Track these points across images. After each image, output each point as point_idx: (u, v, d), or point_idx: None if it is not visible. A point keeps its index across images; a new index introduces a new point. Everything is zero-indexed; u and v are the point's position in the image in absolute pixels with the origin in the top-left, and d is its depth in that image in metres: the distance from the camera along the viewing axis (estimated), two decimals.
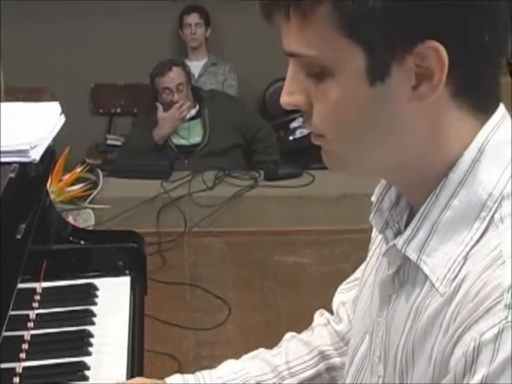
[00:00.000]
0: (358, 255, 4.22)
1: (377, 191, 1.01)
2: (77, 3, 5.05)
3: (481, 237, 0.86)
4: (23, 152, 1.59)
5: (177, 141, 4.38)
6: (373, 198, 1.01)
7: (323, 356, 1.30)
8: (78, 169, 3.27)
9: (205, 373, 1.30)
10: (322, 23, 0.83)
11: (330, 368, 1.30)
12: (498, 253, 0.83)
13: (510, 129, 0.90)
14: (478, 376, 0.78)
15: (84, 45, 5.17)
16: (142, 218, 3.60)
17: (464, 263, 0.86)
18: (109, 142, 5.06)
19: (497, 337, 0.77)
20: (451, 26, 0.82)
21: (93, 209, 3.40)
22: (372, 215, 1.00)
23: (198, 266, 3.55)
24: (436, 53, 0.82)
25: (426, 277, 0.89)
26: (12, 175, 1.55)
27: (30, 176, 1.62)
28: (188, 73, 4.48)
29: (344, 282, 1.35)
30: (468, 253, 0.86)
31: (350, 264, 3.61)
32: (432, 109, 0.86)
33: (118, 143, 5.01)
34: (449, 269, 0.87)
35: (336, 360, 1.30)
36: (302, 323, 1.39)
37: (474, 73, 0.86)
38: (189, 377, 1.29)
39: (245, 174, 3.94)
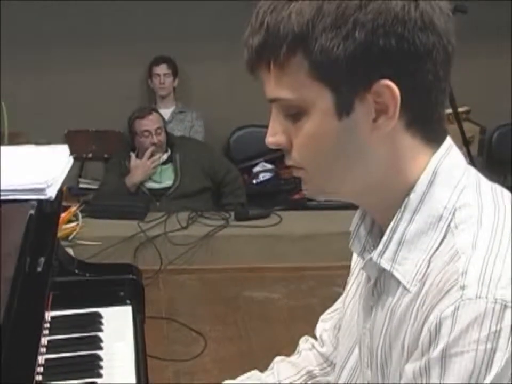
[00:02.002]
0: (322, 290, 4.34)
1: (353, 222, 1.12)
2: (50, 53, 5.13)
3: (441, 242, 0.98)
4: (40, 190, 1.68)
5: (148, 184, 4.45)
6: (351, 228, 1.12)
7: (310, 375, 1.40)
8: (73, 208, 3.35)
9: None
10: (296, 70, 0.96)
11: None
12: (455, 251, 0.94)
13: (457, 156, 1.03)
14: (440, 346, 0.89)
15: (58, 93, 5.24)
16: (120, 256, 3.65)
17: (428, 265, 0.97)
18: (81, 185, 5.11)
19: (454, 313, 0.89)
20: (401, 69, 0.94)
21: (73, 246, 3.44)
22: (351, 241, 1.12)
23: (174, 302, 3.60)
24: (389, 90, 0.94)
25: (398, 282, 1.01)
26: (32, 211, 1.64)
27: (46, 213, 1.70)
28: (164, 121, 4.56)
29: (325, 313, 1.44)
30: (431, 257, 0.98)
31: (316, 298, 3.71)
32: (390, 139, 0.98)
33: (90, 186, 5.07)
34: (417, 272, 0.98)
35: (321, 379, 1.40)
36: (274, 353, 1.47)
37: (422, 108, 0.98)
38: None
39: (216, 214, 4.01)
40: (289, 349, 1.48)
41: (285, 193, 5.21)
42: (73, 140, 5.36)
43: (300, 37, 0.93)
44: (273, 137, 1.02)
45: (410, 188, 1.00)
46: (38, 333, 1.36)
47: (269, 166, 5.35)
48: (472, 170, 1.04)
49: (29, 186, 1.67)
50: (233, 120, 5.47)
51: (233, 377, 1.43)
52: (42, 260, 1.58)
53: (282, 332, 3.33)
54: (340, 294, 4.23)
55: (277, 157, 5.43)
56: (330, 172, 1.00)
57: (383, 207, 1.03)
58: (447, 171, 1.00)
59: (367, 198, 1.04)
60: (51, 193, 1.70)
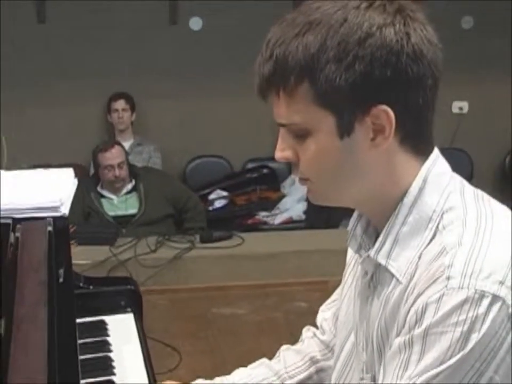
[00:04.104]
0: (285, 305, 4.47)
1: (351, 223, 1.21)
2: (11, 90, 5.19)
3: (430, 241, 1.07)
4: (55, 208, 1.80)
5: (114, 212, 4.53)
6: (348, 228, 1.21)
7: (313, 360, 1.51)
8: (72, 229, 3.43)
9: (222, 378, 1.52)
10: (303, 97, 1.04)
11: (319, 371, 1.51)
12: (443, 248, 1.04)
13: (443, 165, 1.12)
14: (423, 325, 1.00)
15: (18, 129, 5.30)
16: None
17: (418, 260, 1.07)
18: None
19: (439, 299, 0.99)
20: (395, 95, 1.04)
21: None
22: (348, 240, 1.21)
23: (147, 320, 3.67)
24: (386, 114, 1.03)
25: (392, 276, 1.10)
26: (50, 228, 1.76)
27: (60, 228, 1.81)
28: (126, 153, 4.64)
29: (324, 304, 1.55)
30: (421, 253, 1.07)
31: (280, 313, 3.85)
32: (386, 154, 1.07)
33: None
34: (408, 266, 1.08)
35: (323, 364, 1.51)
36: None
37: (414, 127, 1.07)
38: (209, 382, 1.51)
39: (182, 238, 4.11)
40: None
41: (239, 218, 5.38)
42: None
43: (306, 68, 1.02)
44: (282, 152, 1.11)
45: (403, 194, 1.09)
46: (76, 337, 1.47)
47: (224, 193, 5.50)
48: (457, 178, 1.14)
49: (45, 205, 1.79)
50: (187, 151, 5.63)
51: None
52: (61, 271, 1.70)
53: (250, 344, 3.45)
54: (301, 308, 4.37)
55: (231, 184, 5.61)
56: (333, 183, 1.10)
57: (379, 211, 1.13)
58: (435, 179, 1.10)
59: (365, 204, 1.14)
60: (64, 210, 1.82)
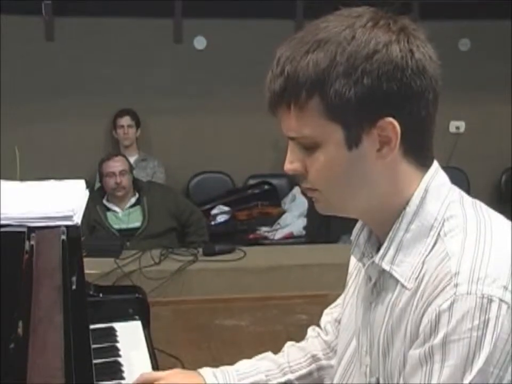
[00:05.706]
0: (285, 317, 4.49)
1: (354, 232, 1.25)
2: (19, 106, 5.24)
3: (432, 247, 1.11)
4: (68, 217, 1.84)
5: (118, 226, 4.56)
6: (351, 238, 1.25)
7: (314, 358, 1.56)
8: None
9: (227, 367, 1.60)
10: (313, 111, 1.07)
11: (319, 368, 1.56)
12: (445, 254, 1.08)
13: (443, 176, 1.16)
14: (440, 334, 1.03)
15: (25, 144, 5.33)
16: None
17: (422, 266, 1.10)
18: None
19: (450, 306, 1.02)
20: (400, 108, 1.07)
21: None
22: (352, 249, 1.25)
23: (151, 331, 3.72)
24: (392, 126, 1.07)
25: (397, 281, 1.13)
26: (64, 237, 1.80)
27: (73, 237, 1.86)
28: (130, 165, 4.68)
29: (328, 308, 1.60)
30: (424, 259, 1.11)
31: (281, 325, 3.87)
32: (391, 165, 1.11)
33: None
34: (413, 272, 1.11)
35: (324, 362, 1.56)
36: None
37: (417, 138, 1.12)
38: (215, 370, 1.59)
39: (186, 250, 4.13)
40: None
41: (241, 233, 5.41)
42: None
43: (317, 83, 1.06)
44: (291, 165, 1.14)
45: (406, 203, 1.13)
46: (89, 339, 1.50)
47: (226, 209, 5.53)
48: (456, 189, 1.18)
49: (59, 214, 1.83)
50: (190, 167, 5.68)
51: None
52: (74, 279, 1.73)
53: (251, 355, 3.44)
54: (301, 320, 4.39)
55: (233, 200, 5.65)
56: (341, 193, 1.13)
57: (382, 220, 1.16)
58: (436, 189, 1.14)
59: (369, 213, 1.18)
60: (77, 219, 1.86)
